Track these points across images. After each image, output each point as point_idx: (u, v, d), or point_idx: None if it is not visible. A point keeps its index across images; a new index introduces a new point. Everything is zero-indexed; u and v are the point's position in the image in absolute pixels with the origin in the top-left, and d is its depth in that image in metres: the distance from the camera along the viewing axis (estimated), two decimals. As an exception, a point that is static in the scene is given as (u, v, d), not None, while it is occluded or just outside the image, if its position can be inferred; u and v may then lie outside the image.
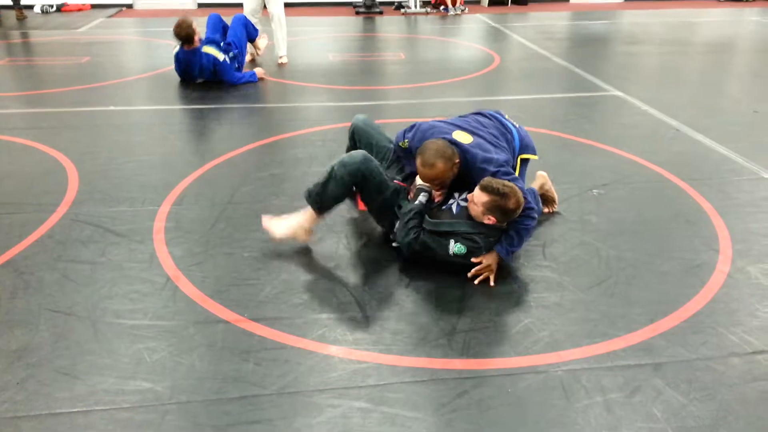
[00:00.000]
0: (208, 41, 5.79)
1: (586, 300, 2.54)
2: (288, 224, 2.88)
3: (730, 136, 4.43)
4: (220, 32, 6.07)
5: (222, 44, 5.89)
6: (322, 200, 2.80)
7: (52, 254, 2.86)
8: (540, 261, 2.83)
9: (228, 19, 6.22)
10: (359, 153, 2.78)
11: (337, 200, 2.82)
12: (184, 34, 5.63)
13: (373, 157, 2.81)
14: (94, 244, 2.95)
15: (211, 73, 5.76)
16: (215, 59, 5.70)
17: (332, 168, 2.76)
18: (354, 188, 2.81)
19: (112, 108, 5.14)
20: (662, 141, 4.37)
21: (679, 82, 6.10)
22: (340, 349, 2.25)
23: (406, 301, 2.52)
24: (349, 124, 3.28)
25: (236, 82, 5.83)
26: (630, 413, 1.96)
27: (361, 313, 2.45)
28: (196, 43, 5.72)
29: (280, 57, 6.80)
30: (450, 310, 2.47)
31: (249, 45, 6.54)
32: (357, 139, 3.19)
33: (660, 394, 2.04)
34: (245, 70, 6.21)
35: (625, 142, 4.32)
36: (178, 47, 5.78)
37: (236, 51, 5.96)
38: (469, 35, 8.95)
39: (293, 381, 2.09)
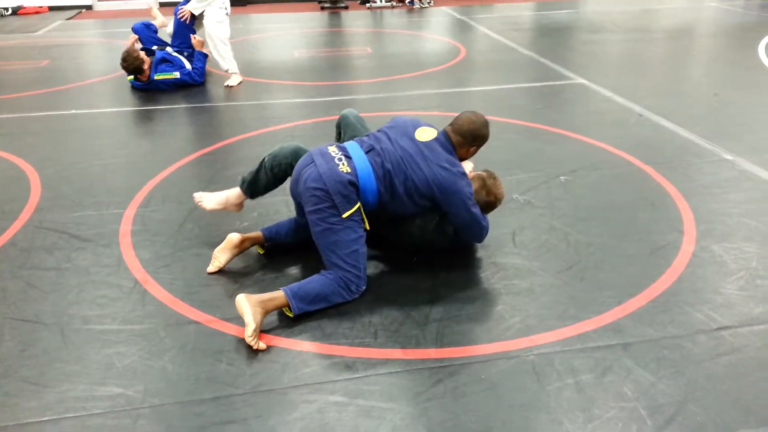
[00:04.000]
0: (157, 64, 5.55)
1: (556, 284, 2.58)
2: (218, 198, 2.93)
3: (691, 119, 4.52)
4: (157, 41, 5.97)
5: (173, 49, 5.80)
6: (253, 189, 2.87)
7: (16, 262, 2.80)
8: (510, 248, 2.85)
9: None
10: (291, 145, 2.81)
11: (268, 189, 2.88)
12: (132, 68, 5.43)
13: (306, 149, 2.77)
14: (59, 251, 2.89)
15: (175, 87, 5.62)
16: (172, 81, 5.57)
17: (263, 159, 2.81)
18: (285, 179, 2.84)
19: (74, 111, 5.03)
20: (626, 126, 4.44)
21: (641, 69, 6.20)
22: (313, 345, 2.24)
23: (377, 294, 2.52)
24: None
25: (202, 79, 5.74)
26: (601, 393, 1.99)
27: (333, 307, 2.44)
28: (147, 72, 5.51)
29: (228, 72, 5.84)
30: (422, 300, 2.48)
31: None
32: (342, 131, 3.07)
33: (630, 373, 2.07)
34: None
35: (590, 129, 4.38)
36: (132, 76, 5.58)
37: (190, 50, 5.84)
38: (435, 28, 8.96)
39: (267, 379, 2.08)
